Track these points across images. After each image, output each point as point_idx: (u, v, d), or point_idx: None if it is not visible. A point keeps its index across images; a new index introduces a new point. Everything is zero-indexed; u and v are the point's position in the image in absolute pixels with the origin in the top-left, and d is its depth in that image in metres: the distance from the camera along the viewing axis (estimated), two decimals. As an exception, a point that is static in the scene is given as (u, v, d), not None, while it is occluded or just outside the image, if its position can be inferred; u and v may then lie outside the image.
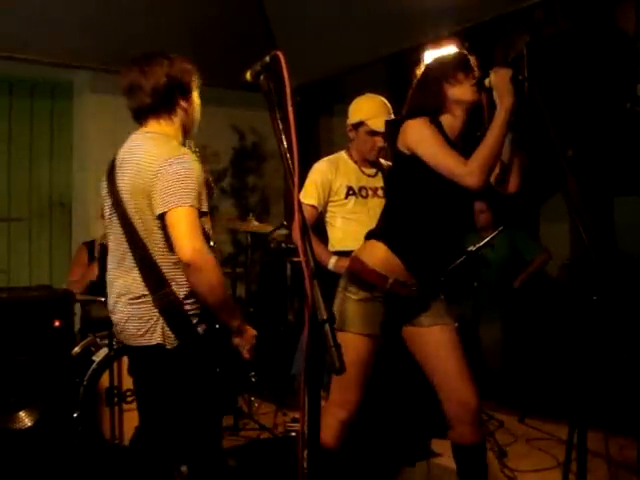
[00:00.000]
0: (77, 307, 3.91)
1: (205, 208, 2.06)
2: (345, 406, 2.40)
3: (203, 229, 2.07)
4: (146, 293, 2.05)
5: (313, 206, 3.15)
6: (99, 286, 3.92)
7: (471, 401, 2.35)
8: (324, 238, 3.25)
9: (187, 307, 2.07)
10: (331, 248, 3.22)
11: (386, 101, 3.23)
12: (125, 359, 3.41)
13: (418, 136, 2.26)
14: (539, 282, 4.72)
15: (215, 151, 6.26)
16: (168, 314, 2.03)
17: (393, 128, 2.38)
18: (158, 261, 2.05)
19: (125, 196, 2.07)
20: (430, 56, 4.07)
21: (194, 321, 2.07)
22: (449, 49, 2.41)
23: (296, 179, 1.44)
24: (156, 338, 2.04)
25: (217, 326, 2.13)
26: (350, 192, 3.20)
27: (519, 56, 4.15)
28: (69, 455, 3.17)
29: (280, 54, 1.49)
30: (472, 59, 2.37)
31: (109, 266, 2.20)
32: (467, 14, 4.14)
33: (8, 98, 5.34)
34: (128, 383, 3.41)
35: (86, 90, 5.55)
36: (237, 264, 5.10)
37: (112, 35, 4.86)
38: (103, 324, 3.71)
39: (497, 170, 2.37)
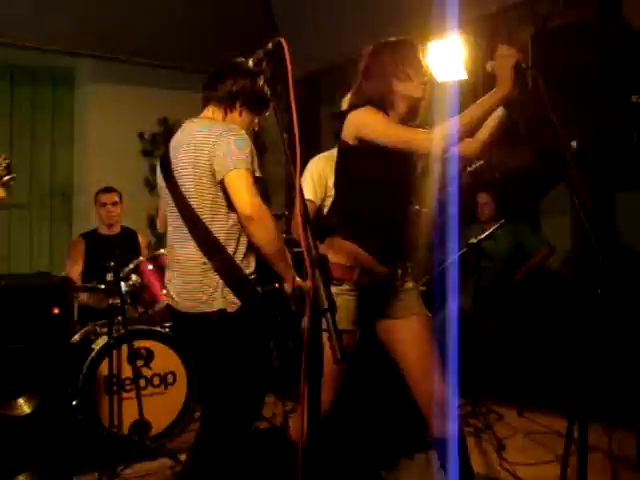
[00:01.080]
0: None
1: (258, 173, 2.32)
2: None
3: None
4: (204, 261, 2.24)
5: (310, 200, 3.15)
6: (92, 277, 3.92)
7: (440, 392, 2.30)
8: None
9: (245, 271, 2.27)
10: None
11: None
12: (124, 347, 3.41)
13: (365, 120, 2.23)
14: (540, 275, 4.72)
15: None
16: (228, 278, 2.21)
17: (338, 120, 2.33)
18: (213, 230, 2.25)
19: (181, 174, 2.30)
20: (434, 48, 4.06)
21: (252, 284, 2.27)
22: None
23: (298, 168, 1.43)
24: (218, 304, 2.21)
25: (277, 285, 2.37)
26: None
27: (523, 49, 4.14)
28: (68, 443, 3.16)
29: (283, 41, 1.47)
30: (421, 52, 2.35)
31: (169, 235, 2.42)
32: (472, 6, 4.11)
33: (9, 85, 5.32)
34: (127, 371, 3.41)
35: (88, 78, 5.54)
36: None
37: (114, 24, 4.85)
38: (101, 313, 3.72)
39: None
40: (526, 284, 4.65)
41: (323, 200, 3.21)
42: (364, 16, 4.97)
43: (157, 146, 5.85)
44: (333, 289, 2.21)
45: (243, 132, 2.31)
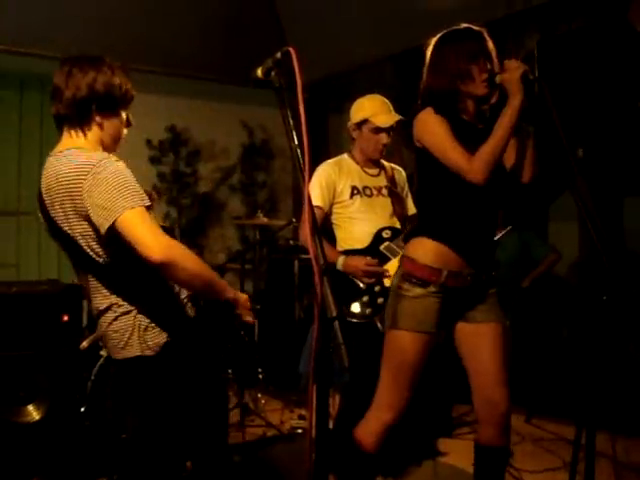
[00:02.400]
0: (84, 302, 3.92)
1: (147, 202, 1.88)
2: (391, 409, 2.36)
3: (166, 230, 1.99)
4: (120, 308, 1.98)
5: (319, 207, 3.14)
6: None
7: (500, 403, 2.32)
8: (332, 241, 3.25)
9: (164, 307, 2.01)
10: (339, 248, 3.22)
11: (387, 100, 3.24)
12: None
13: (424, 129, 2.26)
14: (547, 281, 4.71)
15: (224, 147, 6.28)
16: (148, 322, 1.97)
17: (407, 126, 2.35)
18: (121, 273, 1.96)
19: (63, 224, 1.94)
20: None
21: (175, 319, 2.02)
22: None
23: (307, 175, 1.44)
24: (134, 350, 1.97)
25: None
26: (355, 192, 3.20)
27: (530, 55, 4.15)
28: (76, 449, 3.18)
29: (292, 50, 1.49)
30: (489, 44, 2.31)
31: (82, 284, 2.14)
32: (478, 12, 4.11)
33: (19, 92, 5.36)
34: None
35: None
36: (245, 261, 5.10)
37: (122, 32, 4.88)
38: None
39: (512, 160, 2.35)
40: (533, 291, 4.64)
41: (331, 206, 3.21)
42: (371, 24, 4.99)
43: (165, 153, 5.89)
44: (418, 290, 2.26)
45: (111, 160, 1.89)
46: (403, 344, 2.29)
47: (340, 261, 3.08)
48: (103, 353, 3.46)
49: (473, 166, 2.16)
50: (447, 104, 2.28)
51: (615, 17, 3.95)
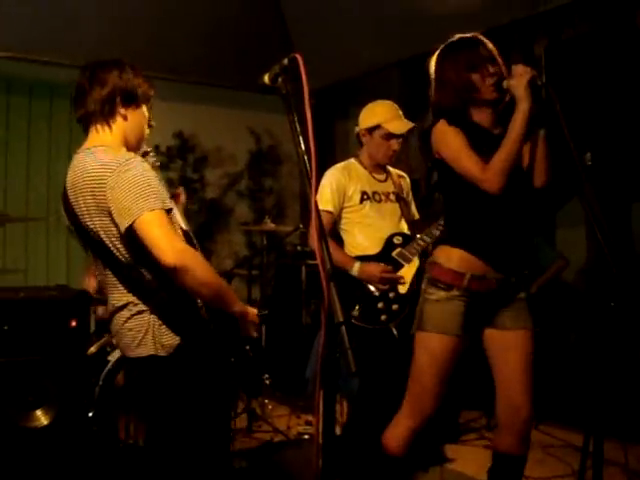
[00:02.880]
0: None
1: (169, 205, 1.94)
2: (418, 414, 2.38)
3: (185, 235, 2.03)
4: (136, 306, 2.00)
5: (329, 212, 3.14)
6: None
7: (523, 410, 2.31)
8: (341, 246, 3.25)
9: (178, 308, 2.01)
10: (349, 254, 3.21)
11: (397, 106, 3.24)
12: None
13: (439, 141, 2.28)
14: (555, 288, 4.69)
15: (231, 153, 6.29)
16: (162, 321, 1.99)
17: (424, 138, 2.37)
18: (140, 272, 1.98)
19: (86, 220, 1.99)
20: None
21: (188, 321, 2.03)
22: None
23: (314, 181, 1.44)
24: (148, 349, 1.98)
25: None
26: (365, 197, 3.20)
27: (537, 60, 4.15)
28: (84, 454, 3.18)
29: (299, 56, 1.49)
30: (486, 47, 2.31)
31: (100, 283, 2.17)
32: (484, 18, 4.13)
33: (28, 99, 5.39)
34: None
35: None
36: (253, 267, 5.11)
37: (131, 40, 4.90)
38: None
39: (526, 164, 2.35)
40: (540, 297, 4.63)
41: (341, 211, 3.20)
42: (377, 30, 5.00)
43: (172, 159, 5.91)
44: (442, 294, 2.28)
45: (137, 160, 1.94)
46: (428, 346, 2.32)
47: (356, 267, 3.08)
48: (111, 358, 3.48)
49: (487, 175, 2.17)
50: (458, 116, 2.29)
51: (622, 22, 3.95)
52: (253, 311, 2.16)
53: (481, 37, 2.34)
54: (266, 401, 4.44)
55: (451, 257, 2.31)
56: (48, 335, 3.16)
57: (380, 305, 3.10)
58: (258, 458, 3.68)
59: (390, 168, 3.34)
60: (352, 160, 3.31)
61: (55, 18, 4.79)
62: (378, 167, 3.27)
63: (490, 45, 2.33)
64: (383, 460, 2.44)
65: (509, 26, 4.30)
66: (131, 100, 2.09)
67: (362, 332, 3.00)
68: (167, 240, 1.85)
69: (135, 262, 1.97)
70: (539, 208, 4.58)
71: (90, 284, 4.20)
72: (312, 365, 3.28)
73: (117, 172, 1.89)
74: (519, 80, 2.16)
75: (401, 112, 3.23)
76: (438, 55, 2.38)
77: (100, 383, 3.37)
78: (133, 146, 2.13)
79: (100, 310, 4.04)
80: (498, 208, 2.28)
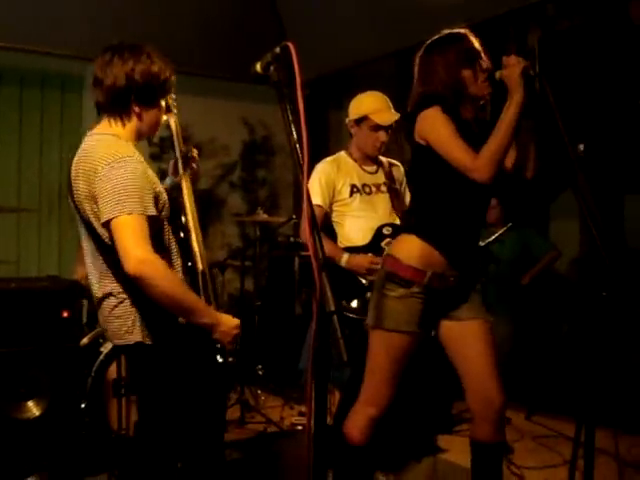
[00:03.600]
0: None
1: (152, 212, 1.93)
2: (376, 403, 2.38)
3: (162, 232, 2.02)
4: (123, 294, 2.00)
5: (319, 205, 3.13)
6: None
7: (495, 400, 2.31)
8: (333, 239, 3.24)
9: None
10: (340, 245, 3.21)
11: (387, 97, 3.22)
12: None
13: (430, 126, 2.24)
14: (547, 278, 4.71)
15: (225, 144, 6.27)
16: (146, 310, 1.99)
17: (408, 122, 2.34)
18: (120, 263, 1.94)
19: (81, 202, 1.99)
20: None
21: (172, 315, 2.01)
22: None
23: (305, 169, 1.44)
24: (136, 336, 2.00)
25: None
26: (354, 190, 3.19)
27: (531, 51, 4.15)
28: (76, 445, 3.18)
29: (291, 45, 1.48)
30: (475, 43, 2.30)
31: (87, 268, 2.12)
32: (479, 9, 4.11)
33: (19, 90, 5.36)
34: (135, 374, 3.43)
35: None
36: (245, 258, 5.10)
37: (124, 29, 4.87)
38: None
39: (514, 156, 2.34)
40: (533, 288, 4.64)
41: (331, 205, 3.20)
42: (371, 21, 4.98)
43: (165, 150, 5.88)
44: (402, 290, 2.25)
45: (132, 161, 1.93)
46: (386, 343, 2.31)
47: (344, 258, 3.08)
48: (103, 350, 3.47)
49: (478, 164, 2.15)
50: (450, 106, 2.27)
51: (616, 13, 3.95)
52: (230, 322, 2.09)
53: (469, 32, 2.32)
54: (259, 392, 4.44)
55: (412, 252, 2.28)
56: (40, 326, 3.15)
57: (369, 295, 3.10)
58: (251, 449, 3.68)
59: (382, 158, 3.32)
60: (342, 153, 3.30)
61: (46, 8, 4.75)
62: (368, 158, 3.25)
63: (477, 41, 2.31)
64: (347, 450, 2.44)
65: (503, 17, 4.29)
66: (147, 98, 2.05)
67: (351, 323, 3.00)
68: (132, 248, 1.85)
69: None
70: (530, 199, 4.60)
71: (81, 274, 4.19)
72: (305, 356, 3.28)
73: (110, 166, 1.89)
74: (512, 70, 2.15)
75: (390, 103, 3.20)
76: (424, 51, 2.36)
77: (92, 374, 3.36)
78: (145, 133, 2.13)
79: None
80: (469, 204, 2.29)
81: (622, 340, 3.97)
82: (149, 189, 1.95)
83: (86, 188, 1.95)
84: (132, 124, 2.06)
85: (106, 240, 1.97)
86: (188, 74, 5.86)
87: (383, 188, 3.25)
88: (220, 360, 2.17)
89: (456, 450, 3.63)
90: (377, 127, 3.13)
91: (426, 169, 2.34)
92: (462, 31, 2.33)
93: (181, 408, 2.07)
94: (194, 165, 2.51)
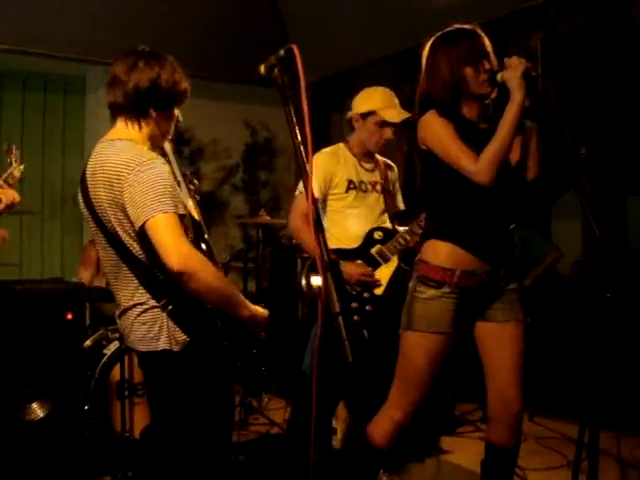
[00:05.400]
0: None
1: (182, 211, 1.95)
2: (404, 408, 2.37)
3: (195, 225, 2.04)
4: (150, 301, 2.00)
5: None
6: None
7: (514, 403, 2.31)
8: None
9: (190, 306, 2.00)
10: (330, 245, 3.16)
11: (394, 95, 3.17)
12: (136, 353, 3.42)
13: (429, 132, 2.25)
14: (550, 280, 4.70)
15: (227, 146, 6.28)
16: (174, 318, 1.99)
17: (411, 128, 2.34)
18: (152, 267, 1.98)
19: (102, 211, 1.98)
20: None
21: (199, 319, 2.03)
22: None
23: (310, 171, 1.44)
24: (162, 343, 1.99)
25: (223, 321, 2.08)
26: (351, 186, 3.12)
27: (533, 52, 4.15)
28: (80, 447, 3.18)
29: (295, 48, 1.49)
30: (484, 41, 2.28)
31: (108, 277, 2.14)
32: (480, 10, 4.11)
33: (21, 92, 5.37)
34: (139, 376, 3.43)
35: (99, 86, 5.57)
36: (248, 259, 5.10)
37: (126, 31, 4.88)
38: (113, 319, 3.73)
39: (517, 157, 2.34)
40: (536, 289, 4.64)
41: (326, 196, 3.13)
42: (372, 23, 4.98)
43: (167, 152, 5.90)
44: (433, 292, 2.25)
45: (159, 162, 1.95)
46: (416, 345, 2.30)
47: None
48: (106, 352, 3.48)
49: (479, 167, 2.15)
50: (448, 107, 2.27)
51: (618, 15, 3.95)
52: (263, 313, 2.16)
53: (479, 30, 2.31)
54: (262, 394, 4.44)
55: (439, 253, 2.28)
56: (44, 328, 3.15)
57: (354, 305, 3.04)
58: (255, 451, 3.68)
59: (378, 157, 3.27)
60: (341, 145, 3.22)
61: (47, 10, 4.76)
62: (367, 155, 3.19)
63: (487, 39, 2.30)
64: (368, 451, 2.44)
65: (505, 18, 4.29)
66: (166, 105, 2.08)
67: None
68: (174, 244, 1.85)
69: (148, 260, 1.97)
70: (532, 200, 4.59)
71: (85, 276, 4.20)
72: (309, 358, 3.28)
73: (137, 170, 1.89)
74: (513, 72, 2.14)
75: (397, 101, 3.16)
76: (432, 44, 2.34)
77: (96, 376, 3.37)
78: (157, 143, 2.14)
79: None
80: (485, 200, 2.27)
81: (625, 341, 3.97)
82: (176, 188, 1.97)
83: (109, 195, 1.94)
84: (148, 128, 2.07)
85: (130, 248, 1.97)
86: (190, 76, 5.88)
87: (378, 187, 3.19)
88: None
89: (459, 452, 3.64)
90: (384, 123, 3.07)
91: (435, 173, 2.33)
92: (471, 28, 2.31)
93: (197, 415, 2.07)
94: (195, 183, 2.55)
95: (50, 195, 5.51)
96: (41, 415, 3.12)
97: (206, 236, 2.18)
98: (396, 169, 3.39)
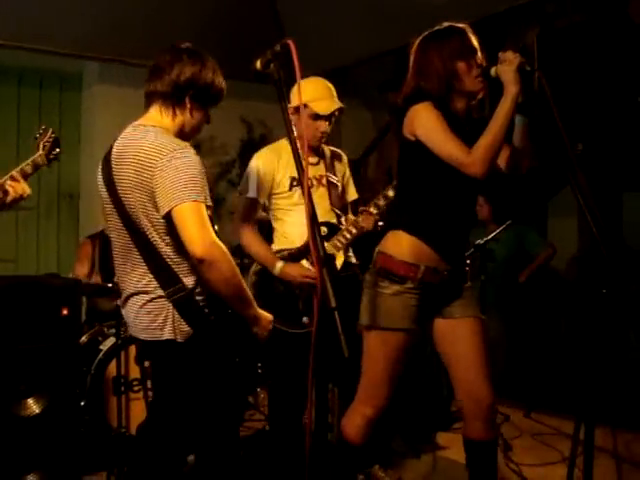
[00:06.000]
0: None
1: (210, 202, 1.99)
2: (372, 403, 2.36)
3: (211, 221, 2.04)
4: (157, 290, 2.03)
5: (253, 198, 2.99)
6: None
7: (485, 398, 2.31)
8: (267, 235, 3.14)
9: (197, 298, 2.04)
10: (277, 245, 3.08)
11: (330, 84, 3.09)
12: (132, 348, 3.43)
13: (421, 122, 2.23)
14: (545, 276, 4.71)
15: (223, 142, 6.26)
16: (180, 308, 2.01)
17: (397, 116, 2.32)
18: (165, 256, 2.01)
19: (125, 192, 2.01)
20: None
21: (205, 311, 2.04)
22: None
23: (306, 167, 1.44)
24: (167, 333, 2.01)
25: (229, 312, 2.09)
26: (294, 183, 3.01)
27: (528, 46, 4.15)
28: (76, 443, 3.18)
29: (291, 42, 1.49)
30: (473, 39, 2.29)
31: (115, 261, 2.16)
32: (478, 6, 4.11)
33: (17, 88, 5.35)
34: (135, 372, 3.43)
35: (95, 81, 5.56)
36: (244, 255, 5.09)
37: (122, 27, 4.86)
38: (109, 315, 3.73)
39: (507, 154, 2.34)
40: (530, 285, 4.65)
41: (270, 197, 3.04)
42: (369, 19, 4.98)
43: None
44: (396, 287, 2.23)
45: (192, 151, 1.99)
46: (383, 342, 2.28)
47: (277, 267, 2.94)
48: (102, 347, 3.47)
49: (472, 159, 2.14)
50: (441, 101, 2.26)
51: (615, 11, 3.95)
52: (268, 317, 2.19)
53: (469, 29, 2.31)
54: (258, 390, 4.44)
55: (402, 247, 2.27)
56: (39, 323, 3.14)
57: (301, 307, 2.96)
58: (251, 447, 3.68)
59: (325, 147, 3.14)
60: (283, 141, 3.06)
61: (44, 5, 4.74)
62: (310, 149, 3.03)
63: (476, 38, 2.31)
64: (344, 448, 2.43)
65: (503, 14, 4.30)
66: (202, 99, 2.13)
67: (281, 336, 2.82)
68: (201, 232, 1.89)
69: (163, 247, 2.01)
70: (528, 197, 4.60)
71: (81, 272, 4.19)
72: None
73: (170, 156, 1.93)
74: (508, 66, 2.14)
75: (334, 91, 3.06)
76: (421, 41, 2.35)
77: (92, 372, 3.37)
78: (186, 137, 2.15)
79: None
80: (459, 200, 2.28)
81: (621, 337, 3.98)
82: (204, 180, 1.98)
83: (137, 178, 1.97)
84: (182, 118, 2.11)
85: (146, 232, 1.99)
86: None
87: (324, 181, 3.07)
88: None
89: (455, 447, 3.63)
90: (317, 116, 2.95)
91: (414, 165, 2.33)
92: (462, 26, 2.32)
93: (199, 406, 2.09)
94: None
95: (46, 191, 5.49)
96: (37, 411, 3.11)
97: (216, 227, 2.18)
98: (345, 157, 3.26)
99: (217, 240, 1.95)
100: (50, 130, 2.77)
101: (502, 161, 2.35)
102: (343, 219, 3.13)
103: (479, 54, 2.29)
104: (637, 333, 3.92)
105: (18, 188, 2.54)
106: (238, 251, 5.12)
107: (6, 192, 2.52)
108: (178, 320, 2.01)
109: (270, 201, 3.06)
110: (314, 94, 2.99)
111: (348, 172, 3.25)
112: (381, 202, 3.01)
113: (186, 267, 2.03)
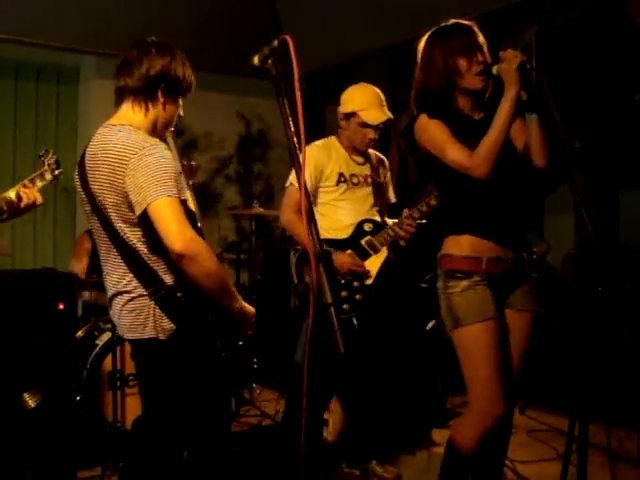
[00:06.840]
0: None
1: (184, 196, 1.99)
2: (490, 413, 2.25)
3: (189, 214, 2.04)
4: (137, 289, 2.02)
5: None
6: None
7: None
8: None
9: (178, 294, 2.02)
10: (321, 235, 3.17)
11: (380, 92, 3.17)
12: (128, 343, 3.42)
13: (423, 136, 2.26)
14: (542, 273, 4.71)
15: (221, 138, 6.26)
16: (162, 306, 2.00)
17: (405, 136, 2.35)
18: (143, 255, 2.00)
19: (100, 194, 2.00)
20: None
21: (187, 308, 2.04)
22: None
23: (303, 163, 1.44)
24: (149, 331, 2.01)
25: (213, 306, 2.08)
26: (341, 179, 3.15)
27: (528, 45, 4.15)
28: (71, 437, 3.18)
29: (289, 38, 1.48)
30: (478, 37, 2.29)
31: (100, 261, 2.16)
32: (476, 3, 4.11)
33: (14, 82, 5.34)
34: (130, 367, 3.43)
35: (92, 76, 5.55)
36: (241, 251, 5.10)
37: (120, 21, 4.86)
38: (104, 309, 3.73)
39: (521, 146, 2.32)
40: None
41: (316, 189, 3.15)
42: (368, 15, 4.98)
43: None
44: (465, 283, 2.22)
45: (162, 146, 1.98)
46: (474, 339, 2.23)
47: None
48: (98, 342, 3.47)
49: (475, 162, 2.15)
50: (441, 102, 2.27)
51: (613, 9, 3.95)
52: (252, 310, 2.19)
53: (475, 26, 2.31)
54: (254, 385, 4.45)
55: (462, 245, 2.27)
56: (36, 318, 3.14)
57: (344, 293, 3.07)
58: (246, 442, 3.69)
59: (370, 150, 3.28)
60: (332, 138, 3.24)
61: (42, 0, 4.73)
62: (357, 149, 3.21)
63: (482, 36, 2.31)
64: (456, 460, 2.38)
65: (501, 11, 4.29)
66: (173, 91, 2.12)
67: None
68: (178, 227, 1.88)
69: (141, 246, 2.00)
70: (534, 189, 4.60)
71: (77, 267, 4.18)
72: (301, 349, 3.29)
73: (140, 155, 1.92)
74: (508, 64, 2.14)
75: (383, 99, 3.15)
76: (428, 37, 2.35)
77: (87, 367, 3.37)
78: (158, 133, 2.15)
79: (86, 294, 4.03)
80: (494, 190, 2.25)
81: (616, 335, 3.99)
82: (176, 175, 1.97)
83: (109, 179, 1.97)
84: (154, 112, 2.10)
85: (121, 233, 1.99)
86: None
87: (369, 180, 3.22)
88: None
89: (450, 444, 3.65)
90: (365, 125, 3.09)
91: (439, 173, 2.34)
92: (468, 23, 2.32)
93: (188, 403, 2.09)
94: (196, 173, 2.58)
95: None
96: (32, 405, 3.11)
97: (200, 224, 2.18)
98: (387, 162, 3.40)
99: (195, 234, 1.94)
100: (51, 151, 2.83)
101: (519, 145, 2.32)
102: (386, 218, 3.27)
103: (484, 52, 2.28)
104: (632, 331, 3.93)
105: (31, 195, 2.57)
106: (234, 248, 5.15)
107: (20, 198, 2.54)
108: (160, 318, 2.00)
109: (316, 195, 3.16)
110: (363, 103, 3.11)
111: (389, 176, 3.40)
112: (424, 209, 3.09)
113: (164, 265, 2.02)
